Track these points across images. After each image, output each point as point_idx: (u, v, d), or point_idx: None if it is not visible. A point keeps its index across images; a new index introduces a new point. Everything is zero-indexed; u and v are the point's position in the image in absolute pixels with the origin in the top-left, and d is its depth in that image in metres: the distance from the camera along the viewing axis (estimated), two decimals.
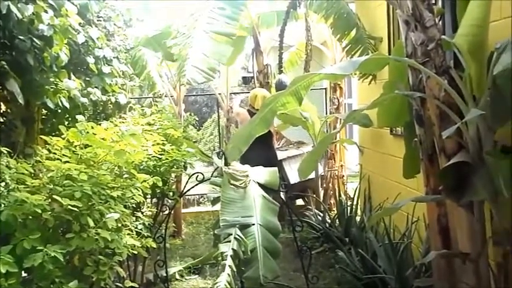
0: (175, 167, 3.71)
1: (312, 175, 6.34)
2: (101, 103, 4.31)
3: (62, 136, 2.70)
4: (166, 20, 5.48)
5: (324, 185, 6.74)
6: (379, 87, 5.09)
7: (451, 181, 2.51)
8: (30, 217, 2.07)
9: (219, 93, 6.67)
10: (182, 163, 3.72)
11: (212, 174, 4.03)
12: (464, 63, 2.55)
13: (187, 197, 7.16)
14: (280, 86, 5.66)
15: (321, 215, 5.95)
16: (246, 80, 9.63)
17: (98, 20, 3.92)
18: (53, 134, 2.86)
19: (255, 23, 6.02)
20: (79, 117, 2.84)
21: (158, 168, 3.55)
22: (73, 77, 3.22)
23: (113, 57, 3.99)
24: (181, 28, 4.59)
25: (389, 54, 4.64)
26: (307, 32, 6.27)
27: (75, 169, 2.29)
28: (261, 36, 6.22)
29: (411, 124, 3.87)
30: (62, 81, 3.08)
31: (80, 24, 3.26)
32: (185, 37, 4.26)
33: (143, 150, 3.07)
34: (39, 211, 2.01)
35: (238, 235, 3.41)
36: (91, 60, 3.66)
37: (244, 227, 3.52)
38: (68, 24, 2.89)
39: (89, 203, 2.22)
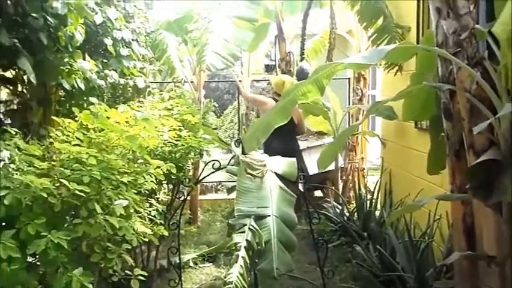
0: (191, 153, 3.63)
1: (332, 166, 6.22)
2: (120, 86, 4.24)
3: (76, 118, 2.63)
4: (188, 4, 5.36)
5: (344, 177, 6.59)
6: (405, 79, 4.94)
7: (479, 179, 2.37)
8: (38, 201, 2.01)
9: (240, 81, 6.55)
10: (199, 150, 3.63)
11: (229, 162, 3.93)
12: (501, 54, 2.38)
13: (204, 183, 7.11)
14: (302, 73, 5.51)
15: (340, 207, 5.82)
16: (268, 68, 9.47)
17: (117, 1, 3.83)
18: (70, 116, 2.80)
19: (278, 8, 5.86)
20: (93, 99, 2.76)
21: (173, 155, 3.47)
22: (87, 57, 3.14)
23: (133, 40, 3.90)
24: (202, 12, 4.47)
25: (418, 44, 4.46)
26: (331, 19, 6.09)
27: (84, 153, 2.21)
28: (284, 23, 6.05)
29: (438, 118, 3.70)
30: (76, 62, 3.01)
31: (97, 3, 3.18)
32: (206, 21, 4.15)
33: (158, 136, 2.99)
34: (45, 195, 1.95)
35: (253, 226, 3.31)
36: (108, 42, 3.58)
37: (259, 218, 3.41)
38: (84, 3, 2.80)
39: (99, 188, 2.15)
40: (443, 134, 3.14)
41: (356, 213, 5.59)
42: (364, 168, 6.71)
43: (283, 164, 4.02)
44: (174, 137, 3.41)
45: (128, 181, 2.28)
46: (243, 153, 3.94)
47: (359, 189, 5.85)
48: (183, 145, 3.51)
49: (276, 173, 3.88)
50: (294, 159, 4.11)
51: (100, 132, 2.57)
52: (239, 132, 7.15)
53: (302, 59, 5.67)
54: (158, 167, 2.74)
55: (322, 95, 2.82)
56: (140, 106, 3.95)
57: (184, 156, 3.53)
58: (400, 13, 5.05)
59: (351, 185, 6.55)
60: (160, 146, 3.31)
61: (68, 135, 2.53)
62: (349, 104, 6.85)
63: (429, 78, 3.06)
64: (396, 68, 4.96)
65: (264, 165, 3.75)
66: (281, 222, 3.47)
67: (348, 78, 7.13)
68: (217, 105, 6.45)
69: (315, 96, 2.81)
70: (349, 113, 6.33)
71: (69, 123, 2.56)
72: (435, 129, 3.81)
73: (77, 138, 2.45)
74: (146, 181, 2.49)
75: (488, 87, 2.34)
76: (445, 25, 2.59)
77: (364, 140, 6.66)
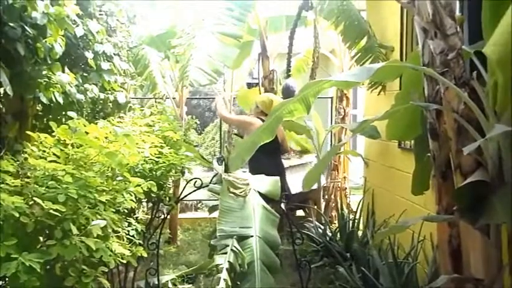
0: (172, 171, 3.53)
1: (314, 186, 6.16)
2: (100, 101, 4.13)
3: (53, 133, 2.52)
4: (171, 19, 5.32)
5: (326, 197, 6.54)
6: (388, 99, 4.96)
7: (466, 201, 2.33)
8: (9, 220, 1.88)
9: (223, 98, 6.49)
10: (180, 167, 3.53)
11: (211, 180, 3.85)
12: (488, 75, 2.38)
13: (184, 202, 6.97)
14: (288, 90, 5.44)
15: (322, 227, 5.75)
16: (249, 86, 9.44)
17: (100, 14, 3.75)
18: (47, 131, 2.68)
19: (262, 27, 5.86)
20: (71, 113, 2.65)
21: (154, 172, 3.37)
22: (66, 70, 3.03)
23: (114, 54, 3.80)
24: (186, 28, 4.42)
25: None
26: (315, 38, 6.10)
27: (61, 169, 2.10)
28: (268, 41, 6.04)
29: (423, 138, 3.69)
30: (55, 75, 2.90)
31: (78, 15, 3.08)
32: (190, 37, 4.09)
33: (139, 153, 2.88)
34: (17, 214, 1.82)
35: (235, 247, 3.22)
36: (89, 55, 3.48)
37: (242, 239, 3.33)
38: (65, 15, 2.71)
39: (75, 208, 2.03)
40: (428, 154, 3.12)
41: (338, 234, 5.53)
42: (346, 188, 6.67)
43: (266, 182, 3.94)
44: (155, 154, 3.31)
45: (106, 200, 2.17)
46: (226, 171, 3.86)
47: (341, 209, 5.80)
48: (164, 162, 3.41)
49: (259, 192, 3.81)
50: (278, 178, 4.04)
51: (78, 148, 2.46)
52: (221, 150, 7.05)
53: (288, 76, 5.61)
54: (139, 185, 2.63)
55: (308, 113, 2.78)
56: (121, 122, 3.85)
57: (165, 174, 3.43)
58: (384, 33, 5.09)
59: (333, 204, 6.50)
60: (140, 163, 3.20)
61: (44, 151, 2.41)
62: (331, 123, 6.84)
63: (414, 97, 3.05)
64: (380, 87, 4.97)
65: (247, 184, 3.68)
66: (264, 243, 3.39)
67: (331, 97, 7.14)
68: (198, 122, 6.34)
69: (301, 114, 2.77)
70: (331, 132, 6.30)
71: (45, 138, 2.44)
72: (420, 149, 3.79)
73: (53, 154, 2.34)
74: (125, 200, 2.38)
75: (476, 107, 2.32)
76: (432, 45, 2.58)
77: (346, 159, 6.65)
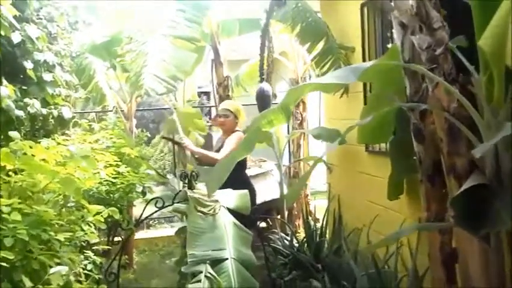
0: (131, 192, 3.14)
1: (276, 195, 5.93)
2: (41, 117, 3.66)
3: None
4: (115, 25, 4.89)
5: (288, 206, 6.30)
6: (350, 100, 4.81)
7: (464, 208, 2.15)
8: None
9: (175, 108, 6.10)
10: (141, 188, 3.15)
11: (174, 198, 3.49)
12: (482, 70, 2.22)
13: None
14: (263, 95, 5.05)
15: (288, 238, 5.49)
16: (199, 95, 9.07)
17: (38, 19, 3.29)
18: None
19: (214, 31, 5.55)
20: (13, 133, 2.21)
21: (112, 195, 2.98)
22: (4, 82, 2.58)
23: (57, 64, 3.36)
24: (134, 33, 4.03)
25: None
26: (269, 42, 5.87)
27: (5, 205, 1.69)
28: (220, 46, 5.75)
29: (399, 141, 3.54)
30: None
31: (16, 17, 2.64)
32: (140, 42, 3.72)
33: (94, 174, 2.49)
34: None
35: (210, 273, 2.89)
36: (28, 65, 3.02)
37: (216, 263, 2.99)
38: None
39: (26, 252, 1.63)
40: (407, 157, 2.95)
41: (305, 244, 5.29)
42: (308, 195, 6.48)
43: (234, 197, 3.64)
44: (112, 174, 2.92)
45: (64, 238, 1.78)
46: (190, 187, 3.53)
47: (307, 217, 5.57)
48: (123, 183, 3.02)
49: (227, 208, 3.50)
50: (246, 191, 3.75)
51: (22, 175, 2.04)
52: (174, 164, 6.60)
53: (262, 79, 5.22)
54: (99, 213, 2.24)
55: (288, 121, 2.54)
56: (67, 139, 3.42)
57: (124, 196, 3.04)
58: (342, 34, 4.93)
59: (295, 212, 6.28)
60: (95, 185, 2.80)
61: None
62: (288, 129, 6.63)
63: (392, 98, 2.89)
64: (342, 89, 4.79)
65: (216, 201, 3.36)
66: (240, 265, 3.07)
67: None
68: (149, 135, 5.93)
69: (280, 123, 2.53)
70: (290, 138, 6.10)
71: None
72: (396, 152, 3.62)
73: None
74: (85, 233, 1.99)
75: (470, 105, 2.15)
76: (417, 40, 2.41)
77: (306, 165, 6.46)
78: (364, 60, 4.44)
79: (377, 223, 4.09)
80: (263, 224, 6.53)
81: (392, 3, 2.64)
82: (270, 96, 4.88)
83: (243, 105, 5.53)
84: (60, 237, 1.76)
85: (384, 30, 4.27)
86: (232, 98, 5.77)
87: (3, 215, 1.64)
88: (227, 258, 3.03)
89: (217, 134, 5.97)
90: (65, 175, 2.07)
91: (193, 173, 3.57)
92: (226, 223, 3.27)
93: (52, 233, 1.74)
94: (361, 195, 4.70)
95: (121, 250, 3.43)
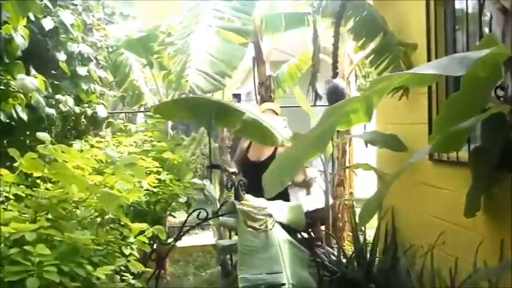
0: (173, 203, 2.74)
1: (320, 204, 5.48)
2: (73, 116, 3.31)
3: (14, 164, 1.70)
4: (154, 19, 4.55)
5: (333, 216, 5.83)
6: (410, 103, 4.32)
7: None
8: None
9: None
10: (185, 198, 2.75)
11: (218, 210, 3.10)
12: None
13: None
14: (337, 93, 4.42)
15: (335, 253, 5.03)
16: (234, 97, 8.65)
17: (73, 5, 2.94)
18: (5, 163, 1.84)
19: (258, 26, 5.14)
20: (42, 135, 1.81)
21: (152, 206, 2.57)
22: (33, 72, 2.21)
23: (93, 57, 3.00)
24: (175, 26, 3.65)
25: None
26: (315, 39, 5.43)
27: (28, 230, 1.29)
28: (263, 43, 5.33)
29: (484, 149, 3.07)
30: (16, 79, 2.06)
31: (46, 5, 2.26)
32: (184, 34, 3.33)
33: (136, 185, 2.09)
34: None
35: None
36: (61, 56, 2.65)
37: None
38: None
39: None
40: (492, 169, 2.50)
41: (355, 260, 4.81)
42: (353, 205, 5.99)
43: (286, 210, 3.21)
44: (153, 183, 2.52)
45: (104, 273, 1.37)
46: (237, 198, 3.12)
47: (356, 230, 5.10)
48: (164, 193, 2.62)
49: (280, 223, 3.08)
50: (299, 203, 3.34)
51: (52, 185, 1.65)
52: (211, 169, 6.17)
53: (336, 74, 4.65)
54: (142, 233, 1.83)
55: (370, 119, 2.10)
56: (101, 141, 3.05)
57: (166, 208, 2.64)
58: (401, 29, 4.45)
59: (340, 224, 5.81)
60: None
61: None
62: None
63: (485, 99, 2.44)
64: (401, 90, 4.31)
65: (270, 215, 2.93)
66: None
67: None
68: (184, 137, 5.56)
69: (361, 119, 2.09)
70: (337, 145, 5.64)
71: (5, 175, 1.62)
72: (479, 162, 3.14)
73: (12, 198, 1.51)
74: (128, 260, 1.59)
75: None
76: None
77: (351, 173, 5.99)
78: (429, 59, 3.94)
79: (442, 241, 3.61)
80: (304, 235, 6.08)
81: None
82: (344, 93, 4.35)
83: (282, 107, 5.14)
84: (101, 273, 1.36)
85: (453, 23, 3.80)
86: (273, 99, 5.35)
87: (26, 247, 1.24)
88: (284, 284, 2.59)
89: None
90: (103, 186, 1.68)
91: (241, 182, 3.16)
92: (281, 241, 2.84)
93: (90, 267, 1.34)
94: (421, 209, 4.20)
95: (159, 269, 3.05)
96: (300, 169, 3.41)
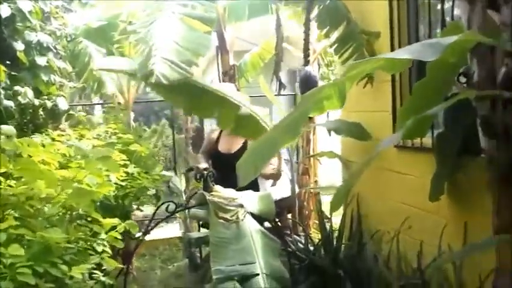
0: (142, 197, 2.66)
1: (287, 193, 5.51)
2: (30, 109, 3.16)
3: None
4: (113, 7, 4.39)
5: (299, 204, 5.88)
6: (374, 91, 4.38)
7: None
8: None
9: None
10: (154, 191, 2.68)
11: (187, 202, 3.05)
12: None
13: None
14: (310, 80, 4.40)
15: (302, 241, 5.07)
16: None
17: None
18: None
19: (220, 14, 5.07)
20: (6, 128, 1.70)
21: (120, 201, 2.49)
22: None
23: (52, 46, 2.86)
24: (138, 14, 3.54)
25: (392, 51, 3.92)
26: (278, 28, 5.41)
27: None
28: (226, 32, 5.27)
29: (448, 136, 3.15)
30: None
31: None
32: (147, 23, 3.22)
33: (104, 178, 2.01)
34: None
35: None
36: (19, 46, 2.51)
37: (245, 279, 2.55)
38: None
39: None
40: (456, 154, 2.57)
41: (322, 247, 4.87)
42: (319, 193, 6.05)
43: (256, 199, 3.20)
44: (121, 176, 2.44)
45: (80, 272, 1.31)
46: (206, 189, 3.08)
47: (322, 218, 5.15)
48: (133, 186, 2.54)
49: (251, 213, 3.06)
50: (269, 192, 3.33)
51: (17, 183, 1.55)
52: (175, 161, 6.10)
53: (307, 62, 4.60)
54: (114, 228, 1.77)
55: (343, 105, 2.10)
56: (62, 135, 2.93)
57: (134, 201, 2.57)
58: (364, 18, 4.48)
59: (306, 212, 5.86)
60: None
61: None
62: None
63: (448, 86, 2.51)
64: (366, 79, 4.35)
65: (241, 206, 2.91)
66: (273, 280, 2.63)
67: (294, 94, 6.50)
68: (146, 128, 5.44)
69: (334, 106, 2.09)
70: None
71: None
72: (444, 148, 3.23)
73: None
74: (102, 258, 1.53)
75: None
76: (499, 16, 2.02)
77: (316, 161, 6.04)
78: (393, 47, 4.00)
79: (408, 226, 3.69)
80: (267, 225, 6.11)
81: None
82: (317, 81, 4.33)
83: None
84: (76, 272, 1.29)
85: (416, 12, 3.86)
86: (238, 89, 5.30)
87: None
88: (258, 274, 2.58)
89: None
90: (72, 181, 1.60)
91: (210, 173, 3.12)
92: (252, 231, 2.83)
93: (64, 267, 1.27)
94: (387, 195, 4.28)
95: (128, 265, 2.98)
96: (274, 160, 3.38)
